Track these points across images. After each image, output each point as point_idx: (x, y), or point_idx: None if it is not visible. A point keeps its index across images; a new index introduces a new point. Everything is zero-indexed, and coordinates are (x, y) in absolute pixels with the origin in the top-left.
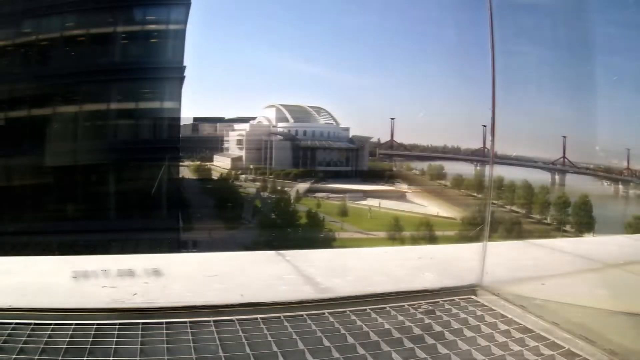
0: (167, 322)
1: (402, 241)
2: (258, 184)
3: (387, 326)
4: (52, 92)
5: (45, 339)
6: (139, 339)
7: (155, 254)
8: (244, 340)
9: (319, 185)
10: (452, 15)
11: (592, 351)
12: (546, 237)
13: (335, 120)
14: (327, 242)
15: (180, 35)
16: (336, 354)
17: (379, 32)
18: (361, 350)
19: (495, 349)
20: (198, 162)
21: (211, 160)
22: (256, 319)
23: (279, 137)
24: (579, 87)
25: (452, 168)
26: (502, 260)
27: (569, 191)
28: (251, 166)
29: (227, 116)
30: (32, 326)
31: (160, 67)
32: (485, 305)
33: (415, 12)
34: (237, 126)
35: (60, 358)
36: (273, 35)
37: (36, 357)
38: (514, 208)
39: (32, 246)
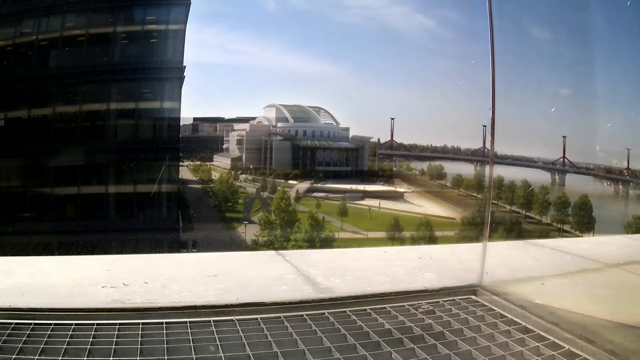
0: (166, 322)
1: (402, 241)
2: (258, 184)
3: (387, 326)
4: (52, 92)
5: (45, 339)
6: (139, 339)
7: (155, 254)
8: (244, 340)
9: (319, 185)
10: (452, 13)
11: (592, 351)
12: (546, 237)
13: (335, 120)
14: (327, 243)
15: (180, 35)
16: (336, 354)
17: (378, 31)
18: (361, 350)
19: (495, 349)
20: (198, 162)
21: (211, 160)
22: (256, 319)
23: (279, 137)
24: (579, 87)
25: (452, 168)
26: (502, 260)
27: (569, 191)
28: (251, 166)
29: (227, 116)
30: (32, 326)
31: (160, 67)
32: (485, 305)
33: (415, 10)
34: (237, 126)
35: (60, 358)
36: (273, 35)
37: (36, 357)
38: (514, 208)
39: (32, 246)
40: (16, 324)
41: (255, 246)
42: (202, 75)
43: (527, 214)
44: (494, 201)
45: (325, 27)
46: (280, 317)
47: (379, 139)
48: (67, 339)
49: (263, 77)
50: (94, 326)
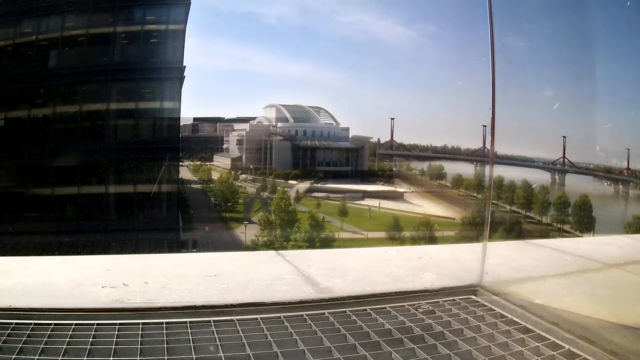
0: (166, 322)
1: (402, 241)
2: (258, 184)
3: (387, 326)
4: (52, 92)
5: (45, 339)
6: (139, 339)
7: (155, 254)
8: (244, 340)
9: (319, 185)
10: (452, 13)
11: (592, 351)
12: (546, 237)
13: (335, 120)
14: (327, 243)
15: (180, 35)
16: (336, 354)
17: (376, 30)
18: (361, 350)
19: (495, 349)
20: (198, 162)
21: (211, 160)
22: (256, 319)
23: (279, 137)
24: (579, 87)
25: (452, 168)
26: (502, 260)
27: (569, 191)
28: (251, 166)
29: (227, 116)
30: (32, 326)
31: (160, 67)
32: (485, 305)
33: (414, 10)
34: (237, 126)
35: (60, 358)
36: (274, 45)
37: (36, 357)
38: (514, 208)
39: (32, 246)
40: (16, 324)
41: (255, 246)
42: (206, 78)
43: (527, 214)
44: (494, 201)
45: (320, 39)
46: (280, 317)
47: (379, 139)
48: (67, 339)
49: (265, 80)
50: (94, 326)
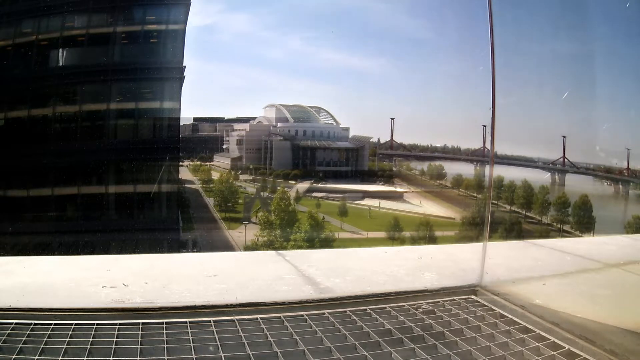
0: (166, 322)
1: (402, 241)
2: (258, 184)
3: (387, 326)
4: (52, 92)
5: (45, 339)
6: (139, 339)
7: (155, 254)
8: (244, 340)
9: (319, 185)
10: (452, 12)
11: (592, 351)
12: (546, 237)
13: (335, 120)
14: (327, 243)
15: (180, 35)
16: (336, 354)
17: (376, 29)
18: (361, 351)
19: (495, 349)
20: (198, 162)
21: (211, 160)
22: (256, 319)
23: (279, 137)
24: (580, 87)
25: (452, 168)
26: (502, 260)
27: (569, 191)
28: (251, 166)
29: (227, 116)
30: (32, 326)
31: (160, 67)
32: (485, 305)
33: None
34: (237, 126)
35: (60, 358)
36: (277, 67)
37: (36, 357)
38: (514, 208)
39: (32, 246)
40: (16, 324)
41: (255, 246)
42: (208, 84)
43: (527, 214)
44: (494, 201)
45: (314, 67)
46: (280, 317)
47: (379, 139)
48: (67, 339)
49: (266, 85)
50: (94, 326)
